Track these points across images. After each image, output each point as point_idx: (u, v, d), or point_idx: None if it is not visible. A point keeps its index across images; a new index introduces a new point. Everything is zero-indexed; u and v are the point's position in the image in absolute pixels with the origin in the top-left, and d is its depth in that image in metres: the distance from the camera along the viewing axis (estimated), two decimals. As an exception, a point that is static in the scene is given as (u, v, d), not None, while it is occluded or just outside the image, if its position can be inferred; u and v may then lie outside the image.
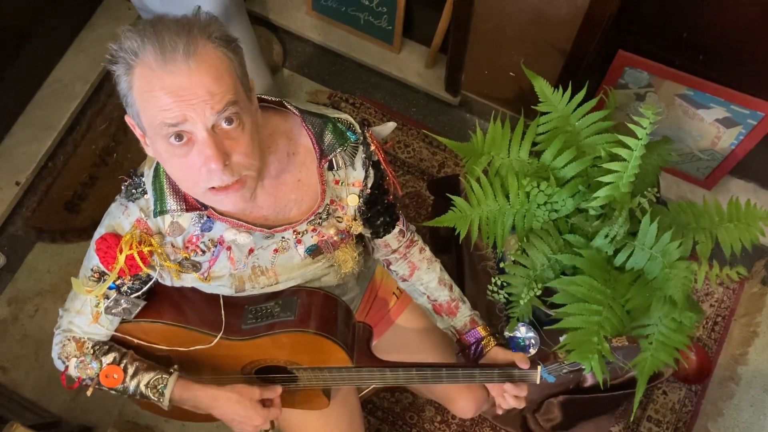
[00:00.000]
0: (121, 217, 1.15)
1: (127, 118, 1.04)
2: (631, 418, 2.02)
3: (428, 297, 1.44)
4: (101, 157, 2.46)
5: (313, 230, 1.22)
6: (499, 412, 1.39)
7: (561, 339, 1.29)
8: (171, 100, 0.92)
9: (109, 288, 1.18)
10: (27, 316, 2.28)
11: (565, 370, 1.30)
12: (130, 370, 1.26)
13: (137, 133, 1.04)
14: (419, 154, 2.46)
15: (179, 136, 0.95)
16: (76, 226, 2.37)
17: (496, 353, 1.38)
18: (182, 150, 0.97)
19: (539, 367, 1.30)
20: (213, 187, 1.01)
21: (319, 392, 1.42)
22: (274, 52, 2.57)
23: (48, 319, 2.27)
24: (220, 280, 1.22)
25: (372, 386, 1.75)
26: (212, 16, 0.97)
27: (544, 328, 1.61)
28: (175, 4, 1.91)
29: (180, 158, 0.98)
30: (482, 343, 1.39)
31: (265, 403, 1.33)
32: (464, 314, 1.43)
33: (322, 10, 2.53)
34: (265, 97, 1.16)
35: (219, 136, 0.97)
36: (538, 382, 1.32)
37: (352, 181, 1.22)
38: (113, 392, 1.28)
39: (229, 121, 0.97)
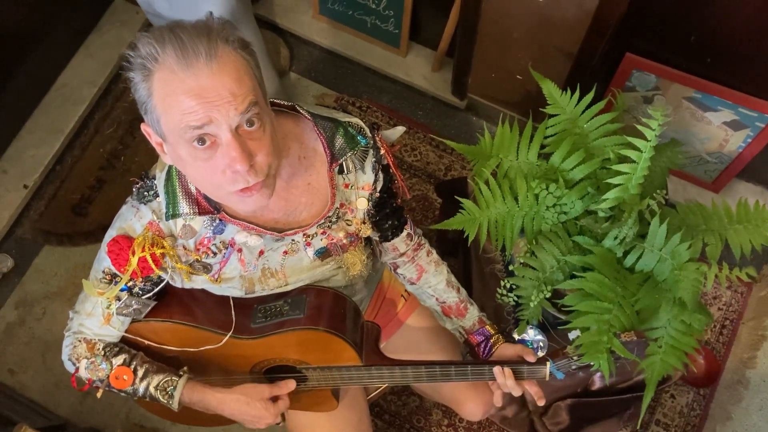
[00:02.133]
0: (133, 219, 1.15)
1: (143, 127, 1.04)
2: (639, 424, 2.01)
3: (437, 299, 1.45)
4: (109, 160, 2.47)
5: (322, 233, 1.22)
6: (498, 404, 1.37)
7: (570, 337, 1.29)
8: (195, 103, 0.92)
9: (121, 290, 1.19)
10: (34, 319, 2.29)
11: (573, 367, 1.30)
12: (140, 372, 1.26)
13: (153, 141, 1.04)
14: (426, 157, 2.46)
15: (202, 139, 0.95)
16: (83, 229, 2.38)
17: (505, 349, 1.39)
18: (206, 153, 0.97)
19: (548, 363, 1.30)
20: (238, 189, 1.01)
21: (328, 394, 1.42)
22: (281, 56, 2.58)
23: (55, 322, 2.28)
24: (230, 281, 1.22)
25: (380, 387, 1.75)
26: (225, 20, 0.98)
27: (558, 328, 1.61)
28: (184, 7, 1.92)
29: (203, 162, 0.98)
30: (491, 340, 1.40)
31: (273, 397, 1.33)
32: (473, 315, 1.44)
33: (328, 13, 2.53)
34: (277, 101, 1.17)
35: (242, 138, 0.97)
36: (547, 378, 1.32)
37: (362, 185, 1.23)
38: (123, 394, 1.28)
39: (251, 122, 0.97)
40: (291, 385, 1.32)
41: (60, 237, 2.37)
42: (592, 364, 1.23)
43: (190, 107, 0.92)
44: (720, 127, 1.98)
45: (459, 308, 1.44)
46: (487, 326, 1.42)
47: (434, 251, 1.48)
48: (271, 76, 2.33)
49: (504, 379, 1.31)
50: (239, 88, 0.94)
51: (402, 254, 1.42)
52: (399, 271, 1.46)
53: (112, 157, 2.47)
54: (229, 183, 1.00)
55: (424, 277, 1.45)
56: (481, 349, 1.40)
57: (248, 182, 1.00)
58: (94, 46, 2.60)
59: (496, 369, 1.31)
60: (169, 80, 0.93)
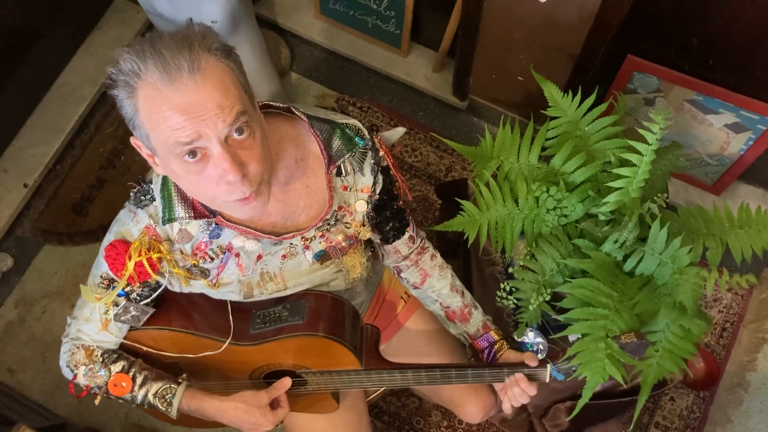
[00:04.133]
0: (130, 223, 1.15)
1: (133, 140, 1.03)
2: (631, 427, 2.01)
3: (441, 304, 1.44)
4: (109, 159, 2.47)
5: (321, 236, 1.22)
6: (507, 411, 1.37)
7: (570, 339, 1.28)
8: (182, 118, 0.91)
9: (119, 295, 1.19)
10: (34, 318, 2.29)
11: (574, 368, 1.30)
12: (139, 379, 1.26)
13: (144, 153, 1.04)
14: (426, 158, 2.45)
15: (193, 153, 0.95)
16: (83, 228, 2.38)
17: (508, 356, 1.38)
18: (197, 166, 0.96)
19: (549, 365, 1.30)
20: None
21: (328, 395, 1.42)
22: (281, 56, 2.57)
23: (55, 322, 2.28)
24: (228, 286, 1.22)
25: (380, 389, 1.75)
26: (207, 27, 0.97)
27: (552, 337, 1.60)
28: (184, 7, 1.92)
29: (196, 174, 0.98)
30: (495, 347, 1.39)
31: (273, 404, 1.32)
32: (477, 320, 1.43)
33: (329, 13, 2.53)
34: (273, 103, 1.16)
35: (233, 148, 0.96)
36: (547, 380, 1.31)
37: (361, 187, 1.22)
38: (121, 401, 1.28)
39: (240, 131, 0.96)
40: (286, 383, 1.32)
41: (60, 236, 2.37)
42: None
43: (177, 123, 0.91)
44: (721, 130, 1.97)
45: (463, 313, 1.43)
46: (492, 332, 1.42)
47: (438, 254, 1.47)
48: (272, 77, 2.32)
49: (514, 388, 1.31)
50: (226, 99, 0.93)
51: (405, 257, 1.42)
52: (402, 275, 1.46)
53: (113, 157, 2.47)
54: (224, 194, 0.99)
55: (428, 281, 1.44)
56: (485, 355, 1.40)
57: (244, 192, 0.99)
58: (95, 45, 2.60)
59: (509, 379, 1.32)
60: (154, 97, 0.91)
